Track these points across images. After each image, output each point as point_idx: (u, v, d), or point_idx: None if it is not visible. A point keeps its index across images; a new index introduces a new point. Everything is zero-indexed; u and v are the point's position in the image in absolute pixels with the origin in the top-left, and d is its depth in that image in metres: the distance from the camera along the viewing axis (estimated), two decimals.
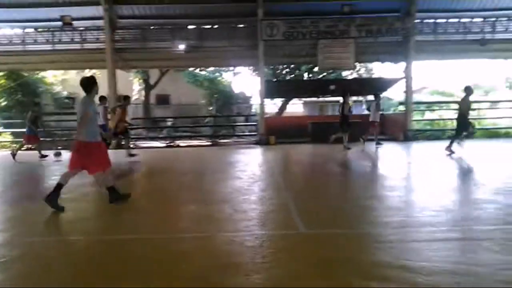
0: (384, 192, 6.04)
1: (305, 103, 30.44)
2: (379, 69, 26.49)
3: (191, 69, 26.00)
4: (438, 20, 15.57)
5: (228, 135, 18.31)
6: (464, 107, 10.21)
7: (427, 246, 3.53)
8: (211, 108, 25.06)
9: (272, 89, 17.91)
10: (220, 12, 15.50)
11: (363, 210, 4.98)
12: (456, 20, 15.55)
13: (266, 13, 15.03)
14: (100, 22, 15.44)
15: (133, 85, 25.54)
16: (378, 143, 12.66)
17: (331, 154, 11.72)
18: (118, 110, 10.80)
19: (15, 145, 13.59)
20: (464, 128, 10.38)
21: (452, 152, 10.12)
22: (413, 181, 7.51)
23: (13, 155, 11.13)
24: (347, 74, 24.98)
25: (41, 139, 11.61)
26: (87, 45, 15.77)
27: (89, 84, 5.16)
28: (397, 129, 15.83)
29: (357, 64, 20.67)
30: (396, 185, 6.77)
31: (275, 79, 23.44)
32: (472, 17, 15.53)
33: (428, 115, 21.08)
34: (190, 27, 16.17)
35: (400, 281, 2.85)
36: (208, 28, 16.24)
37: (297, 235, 4.03)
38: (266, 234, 4.04)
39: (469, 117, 10.50)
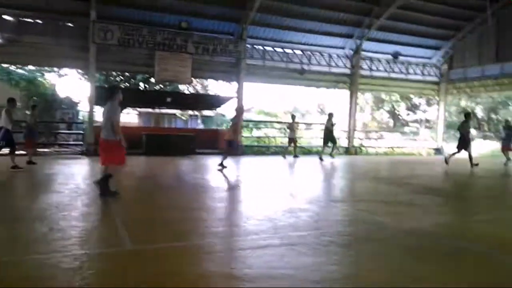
0: (214, 204, 6.22)
1: (140, 114, 29.43)
2: (214, 86, 27.77)
3: (4, 65, 22.24)
4: (267, 48, 17.25)
5: (48, 144, 16.18)
6: (465, 130, 12.20)
7: (251, 254, 3.74)
8: (28, 112, 21.75)
9: (104, 96, 16.73)
10: (44, 5, 13.72)
11: (193, 221, 5.00)
12: (281, 49, 17.53)
13: (100, 16, 14.02)
14: None
15: None
16: (295, 156, 15.12)
17: (165, 167, 11.58)
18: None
19: None
20: (466, 147, 12.27)
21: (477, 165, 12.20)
22: (241, 192, 7.98)
23: None
24: (184, 88, 25.34)
25: None
26: None
27: (113, 92, 6.25)
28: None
29: (194, 80, 21.13)
30: (225, 196, 7.08)
31: (107, 86, 21.99)
32: (294, 49, 17.75)
33: (255, 132, 22.94)
34: (5, 17, 13.82)
35: None
36: (30, 22, 14.18)
37: (122, 252, 3.76)
38: (87, 254, 3.64)
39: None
